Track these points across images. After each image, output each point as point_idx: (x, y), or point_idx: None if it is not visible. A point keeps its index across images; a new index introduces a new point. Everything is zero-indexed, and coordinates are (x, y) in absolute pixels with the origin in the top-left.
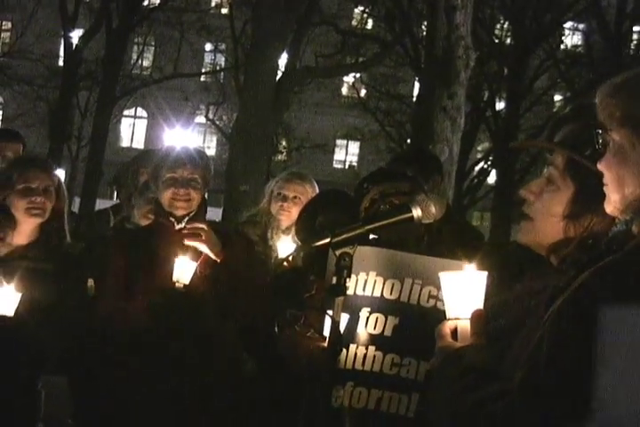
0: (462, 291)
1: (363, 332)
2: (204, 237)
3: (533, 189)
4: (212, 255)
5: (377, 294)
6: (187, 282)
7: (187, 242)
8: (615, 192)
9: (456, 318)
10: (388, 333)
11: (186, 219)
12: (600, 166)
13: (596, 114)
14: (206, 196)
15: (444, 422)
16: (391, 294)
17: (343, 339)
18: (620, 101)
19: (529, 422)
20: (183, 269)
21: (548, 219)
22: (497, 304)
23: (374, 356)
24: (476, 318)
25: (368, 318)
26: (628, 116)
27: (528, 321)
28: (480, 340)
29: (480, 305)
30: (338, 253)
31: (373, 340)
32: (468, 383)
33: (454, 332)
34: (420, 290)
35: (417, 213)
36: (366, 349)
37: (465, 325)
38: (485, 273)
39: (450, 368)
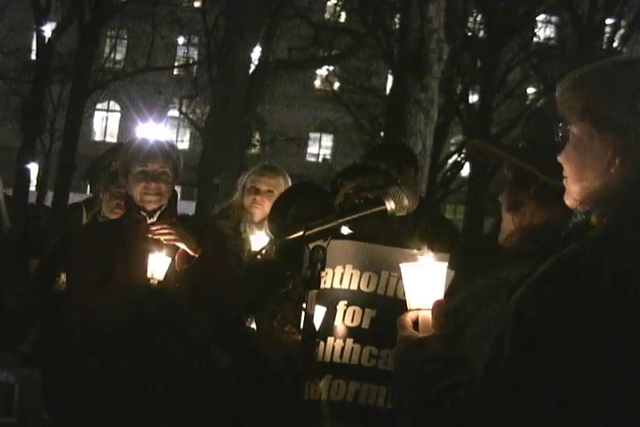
0: (423, 282)
1: (340, 325)
2: (176, 236)
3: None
4: (189, 251)
5: (354, 287)
6: (161, 278)
7: (164, 241)
8: (574, 184)
9: (417, 309)
10: (365, 325)
11: (157, 213)
12: (560, 159)
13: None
14: (177, 189)
15: (407, 411)
16: (368, 286)
17: (321, 332)
18: (580, 95)
19: (492, 410)
20: (157, 265)
21: (504, 216)
22: (459, 299)
23: (352, 348)
24: (437, 308)
25: (345, 310)
26: (587, 109)
27: (480, 314)
28: (442, 330)
29: (441, 296)
30: (311, 246)
31: (351, 332)
32: (430, 373)
33: (416, 322)
34: (397, 283)
35: (390, 205)
36: (344, 341)
37: (426, 315)
38: (445, 264)
39: (411, 358)
